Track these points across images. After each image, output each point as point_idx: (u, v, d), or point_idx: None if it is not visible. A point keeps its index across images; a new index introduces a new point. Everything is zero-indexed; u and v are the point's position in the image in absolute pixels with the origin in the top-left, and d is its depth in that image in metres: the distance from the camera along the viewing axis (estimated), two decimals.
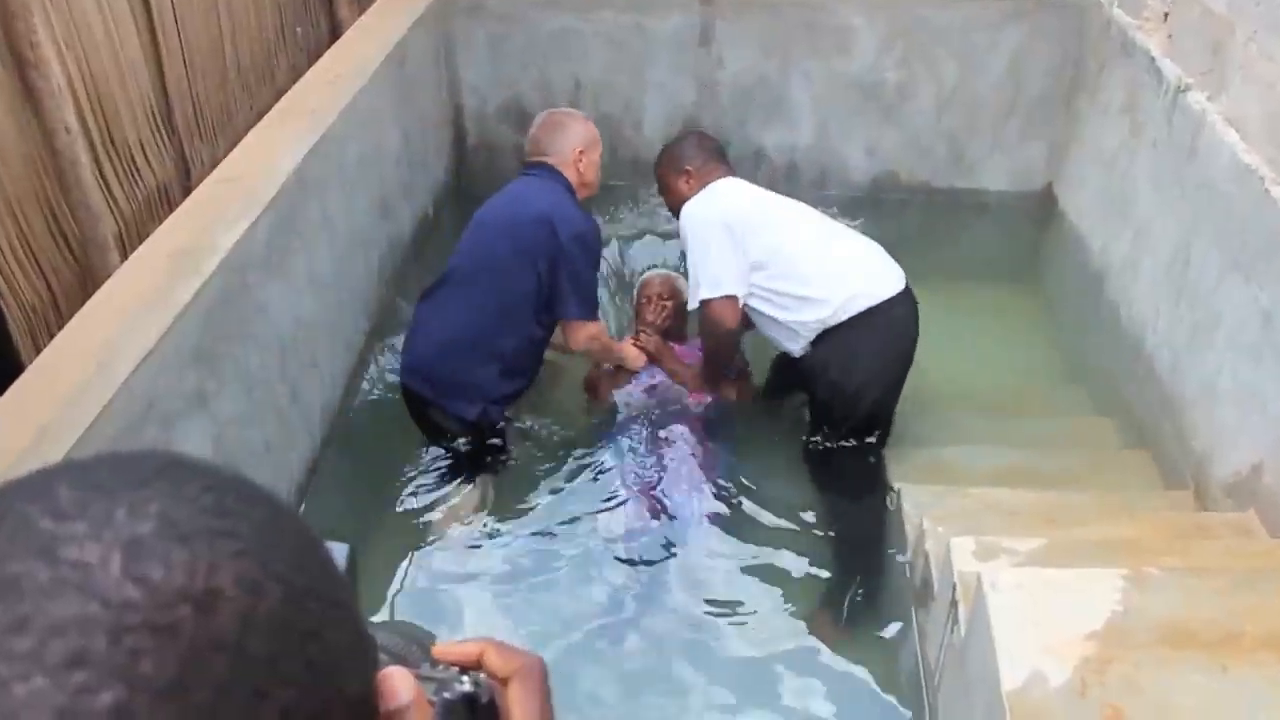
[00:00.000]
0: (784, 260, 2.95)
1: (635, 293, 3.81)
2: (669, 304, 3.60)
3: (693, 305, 3.12)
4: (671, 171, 3.25)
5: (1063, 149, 4.41)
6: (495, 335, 3.02)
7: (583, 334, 3.15)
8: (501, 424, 3.16)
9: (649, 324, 3.56)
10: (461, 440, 3.13)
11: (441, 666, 0.69)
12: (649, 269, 4.01)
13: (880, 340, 2.95)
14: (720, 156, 3.27)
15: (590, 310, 3.17)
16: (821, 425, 3.11)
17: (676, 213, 3.19)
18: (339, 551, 0.61)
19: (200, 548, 0.45)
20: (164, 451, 0.51)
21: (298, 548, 0.50)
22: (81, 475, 0.47)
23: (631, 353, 3.38)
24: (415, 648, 0.72)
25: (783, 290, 2.95)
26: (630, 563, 2.88)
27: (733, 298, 2.96)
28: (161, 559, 0.44)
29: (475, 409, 3.05)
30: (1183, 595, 1.84)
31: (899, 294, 2.97)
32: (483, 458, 3.14)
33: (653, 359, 3.42)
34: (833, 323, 2.91)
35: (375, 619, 0.68)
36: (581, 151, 3.17)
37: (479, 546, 2.94)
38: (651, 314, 3.61)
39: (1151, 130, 3.46)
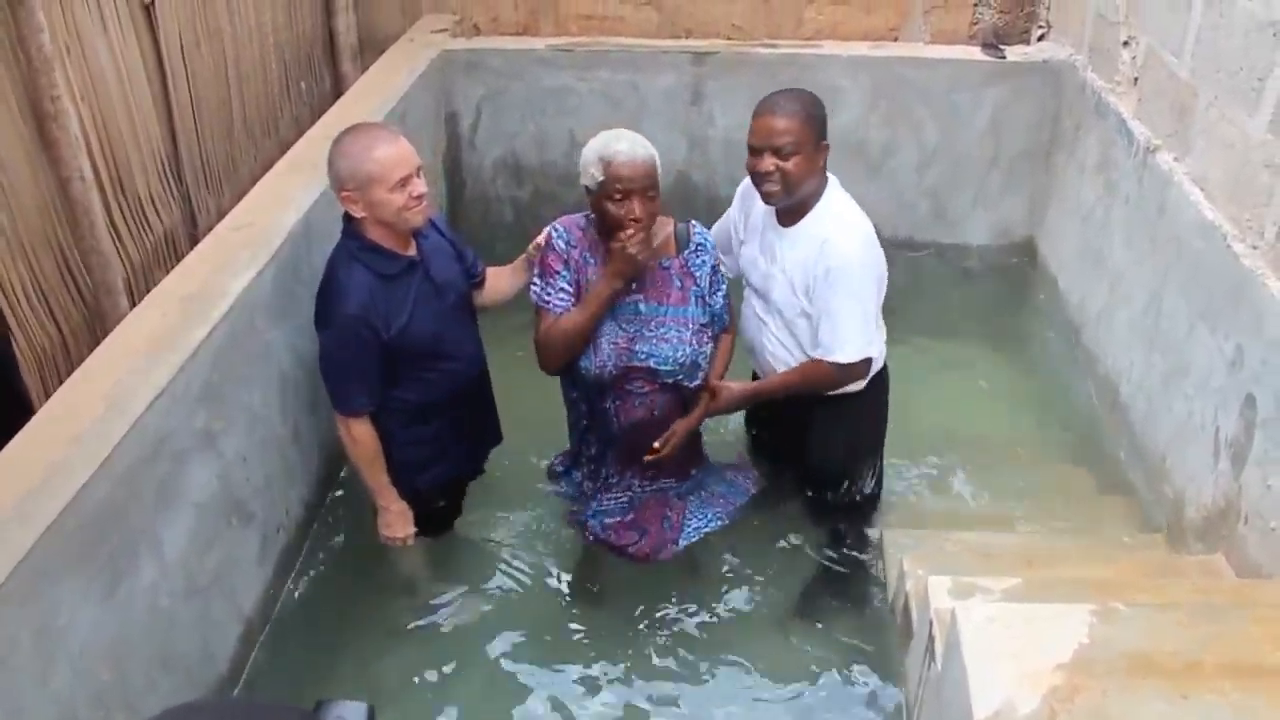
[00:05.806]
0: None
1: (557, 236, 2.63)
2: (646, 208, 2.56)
3: (841, 359, 2.59)
4: (818, 137, 2.53)
5: (1042, 204, 4.56)
6: None
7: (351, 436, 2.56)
8: (419, 488, 2.76)
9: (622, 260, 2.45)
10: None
11: None
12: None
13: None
14: None
15: (349, 402, 2.52)
16: (840, 479, 2.95)
17: (791, 186, 2.52)
18: (357, 712, 0.63)
19: None
20: None
21: None
22: None
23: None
24: None
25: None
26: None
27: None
28: None
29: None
30: (1147, 627, 1.92)
31: None
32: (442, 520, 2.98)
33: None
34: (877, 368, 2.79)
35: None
36: (348, 194, 2.41)
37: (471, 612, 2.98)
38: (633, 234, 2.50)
39: (1124, 187, 3.60)
